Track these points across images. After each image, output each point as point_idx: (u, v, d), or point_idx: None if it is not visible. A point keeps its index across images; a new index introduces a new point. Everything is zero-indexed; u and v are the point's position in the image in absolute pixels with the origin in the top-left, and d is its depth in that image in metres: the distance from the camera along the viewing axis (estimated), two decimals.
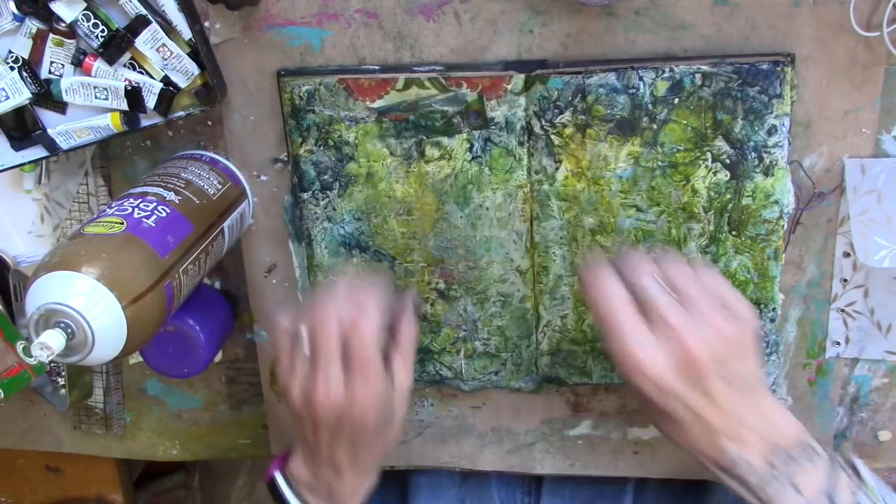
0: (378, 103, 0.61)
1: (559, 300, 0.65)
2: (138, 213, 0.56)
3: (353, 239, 0.66)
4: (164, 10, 0.59)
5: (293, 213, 0.67)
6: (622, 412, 0.70)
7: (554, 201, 0.62)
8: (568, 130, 0.60)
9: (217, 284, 0.73)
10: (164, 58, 0.60)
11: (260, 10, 0.62)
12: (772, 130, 0.57)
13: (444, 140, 0.62)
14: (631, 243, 0.62)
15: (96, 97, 0.62)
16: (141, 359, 0.75)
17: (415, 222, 0.65)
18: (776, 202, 0.59)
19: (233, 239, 0.65)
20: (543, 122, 0.60)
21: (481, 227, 0.64)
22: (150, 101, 0.61)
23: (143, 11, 0.59)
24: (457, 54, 0.61)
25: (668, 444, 0.70)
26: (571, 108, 0.59)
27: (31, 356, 0.48)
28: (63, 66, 0.62)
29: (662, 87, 0.57)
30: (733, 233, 0.60)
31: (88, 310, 0.50)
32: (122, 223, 0.55)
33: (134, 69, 0.61)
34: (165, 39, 0.60)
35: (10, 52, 0.62)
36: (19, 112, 0.63)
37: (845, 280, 0.62)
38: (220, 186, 0.64)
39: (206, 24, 0.63)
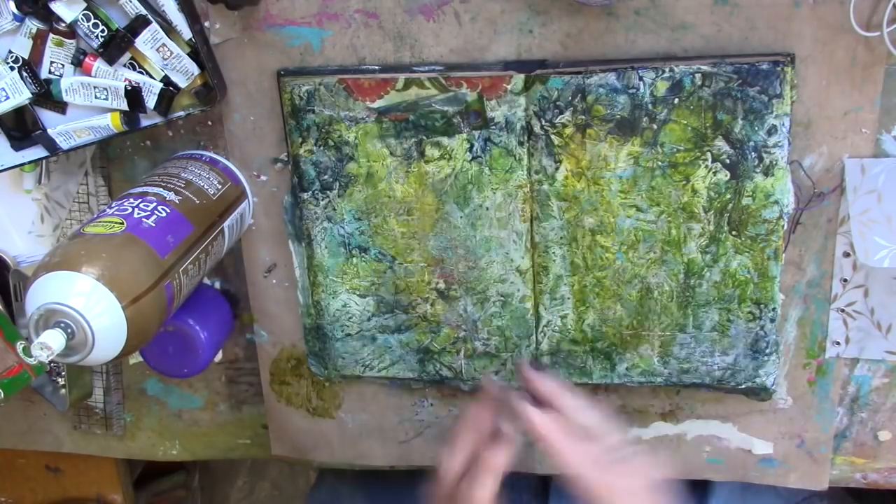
0: (378, 103, 0.61)
1: (559, 300, 0.65)
2: (138, 213, 0.56)
3: (353, 239, 0.66)
4: (164, 10, 0.59)
5: (293, 213, 0.67)
6: (622, 412, 0.70)
7: (554, 201, 0.62)
8: (568, 130, 0.60)
9: (217, 284, 0.73)
10: (164, 58, 0.60)
11: (260, 10, 0.62)
12: (772, 130, 0.57)
13: (444, 140, 0.62)
14: (631, 243, 0.62)
15: (96, 97, 0.62)
16: (141, 359, 0.75)
17: (415, 222, 0.65)
18: (776, 202, 0.59)
19: (233, 239, 0.65)
20: (543, 122, 0.60)
21: (481, 227, 0.64)
22: (150, 101, 0.61)
23: (143, 11, 0.59)
24: (457, 54, 0.61)
25: (668, 444, 0.70)
26: (571, 108, 0.59)
27: (31, 356, 0.48)
28: (63, 66, 0.62)
29: (662, 87, 0.57)
30: (733, 233, 0.60)
31: (88, 310, 0.50)
32: (122, 223, 0.55)
33: (134, 69, 0.61)
34: (165, 39, 0.60)
35: (10, 52, 0.62)
36: (19, 112, 0.63)
37: (845, 280, 0.62)
38: (220, 186, 0.64)
39: (206, 24, 0.63)
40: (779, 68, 0.56)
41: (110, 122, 0.62)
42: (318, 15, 0.61)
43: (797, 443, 0.68)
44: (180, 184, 0.61)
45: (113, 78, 0.61)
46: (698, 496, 0.75)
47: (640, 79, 0.57)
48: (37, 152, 0.65)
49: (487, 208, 0.63)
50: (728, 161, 0.58)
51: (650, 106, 0.58)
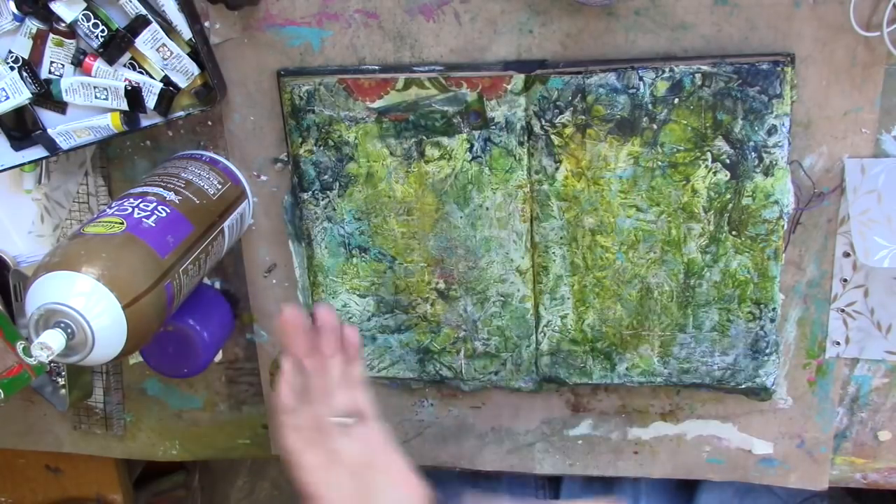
0: (378, 103, 0.61)
1: (559, 300, 0.65)
2: (138, 213, 0.56)
3: (353, 239, 0.66)
4: (164, 10, 0.59)
5: (293, 213, 0.67)
6: (622, 412, 0.70)
7: (554, 201, 0.62)
8: (568, 130, 0.60)
9: (217, 284, 0.73)
10: (164, 58, 0.60)
11: (260, 10, 0.62)
12: (772, 130, 0.57)
13: (444, 140, 0.62)
14: (631, 243, 0.62)
15: (96, 97, 0.62)
16: (141, 359, 0.75)
17: (415, 222, 0.65)
18: (776, 202, 0.59)
19: (233, 239, 0.65)
20: (543, 122, 0.60)
21: (481, 227, 0.64)
22: (150, 101, 0.61)
23: (143, 11, 0.59)
24: (457, 54, 0.61)
25: (668, 444, 0.70)
26: (571, 108, 0.59)
27: (31, 356, 0.48)
28: (63, 66, 0.62)
29: (662, 87, 0.57)
30: (733, 233, 0.60)
31: (88, 310, 0.50)
32: (122, 223, 0.55)
33: (134, 69, 0.61)
34: (165, 39, 0.60)
35: (10, 52, 0.62)
36: (19, 112, 0.63)
37: (845, 280, 0.62)
38: (220, 186, 0.64)
39: (206, 24, 0.63)
40: (779, 68, 0.56)
41: (110, 122, 0.62)
42: (318, 15, 0.61)
43: (797, 443, 0.68)
44: (180, 184, 0.61)
45: (113, 78, 0.61)
46: (695, 494, 0.75)
47: (640, 79, 0.57)
48: (37, 152, 0.65)
49: (487, 208, 0.63)
50: (728, 161, 0.58)
51: (650, 106, 0.58)
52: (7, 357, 0.67)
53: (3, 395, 0.68)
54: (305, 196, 0.65)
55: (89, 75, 0.61)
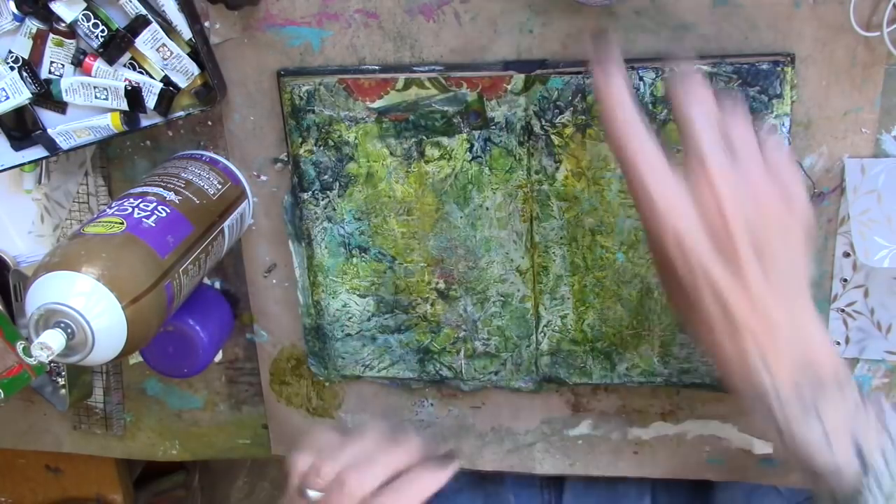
0: (378, 103, 0.61)
1: (559, 300, 0.65)
2: (138, 213, 0.56)
3: (353, 239, 0.66)
4: (164, 10, 0.59)
5: (293, 213, 0.67)
6: (622, 412, 0.70)
7: (554, 201, 0.62)
8: (568, 130, 0.60)
9: (217, 284, 0.73)
10: (164, 58, 0.60)
11: (260, 10, 0.62)
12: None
13: (444, 140, 0.62)
14: (631, 243, 0.62)
15: (96, 97, 0.62)
16: (141, 359, 0.75)
17: (415, 222, 0.65)
18: None
19: (233, 239, 0.65)
20: (543, 122, 0.60)
21: (481, 227, 0.64)
22: (150, 101, 0.61)
23: (143, 11, 0.59)
24: (457, 54, 0.61)
25: (668, 444, 0.70)
26: (571, 108, 0.59)
27: (31, 356, 0.48)
28: (63, 66, 0.62)
29: (662, 87, 0.57)
30: None
31: (88, 310, 0.50)
32: (122, 223, 0.55)
33: (134, 69, 0.61)
34: (165, 39, 0.60)
35: (10, 52, 0.62)
36: (19, 112, 0.63)
37: (845, 280, 0.62)
38: (220, 186, 0.64)
39: (206, 24, 0.63)
40: (779, 68, 0.56)
41: (110, 122, 0.62)
42: (318, 15, 0.61)
43: None
44: (180, 184, 0.61)
45: (113, 78, 0.61)
46: (711, 499, 0.75)
47: (640, 79, 0.57)
48: (37, 152, 0.65)
49: (487, 208, 0.63)
50: None
51: (650, 106, 0.58)
52: (7, 357, 0.67)
53: (3, 395, 0.68)
54: (305, 196, 0.65)
55: (89, 75, 0.61)
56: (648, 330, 0.64)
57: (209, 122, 0.67)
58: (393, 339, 0.69)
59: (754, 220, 0.43)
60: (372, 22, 0.61)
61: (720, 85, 0.56)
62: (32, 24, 0.60)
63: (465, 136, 0.61)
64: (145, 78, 0.61)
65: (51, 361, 0.49)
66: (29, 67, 0.62)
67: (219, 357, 0.75)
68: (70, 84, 0.62)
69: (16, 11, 0.60)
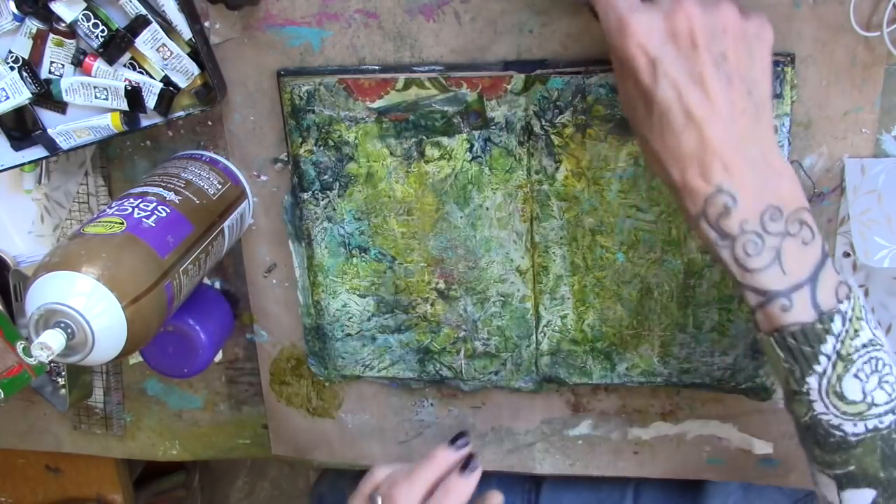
0: (378, 103, 0.61)
1: (559, 300, 0.65)
2: (138, 213, 0.56)
3: (353, 239, 0.66)
4: (164, 10, 0.59)
5: (293, 213, 0.67)
6: (622, 412, 0.70)
7: (554, 201, 0.62)
8: (568, 130, 0.60)
9: (217, 284, 0.73)
10: (164, 58, 0.60)
11: (260, 10, 0.62)
12: None
13: (444, 140, 0.62)
14: (631, 243, 0.62)
15: (96, 97, 0.62)
16: (141, 359, 0.75)
17: (415, 222, 0.65)
18: None
19: (233, 239, 0.65)
20: (543, 122, 0.60)
21: (481, 227, 0.64)
22: (150, 101, 0.62)
23: (143, 11, 0.59)
24: (457, 54, 0.61)
25: (667, 444, 0.70)
26: (571, 108, 0.59)
27: (31, 356, 0.48)
28: (63, 66, 0.62)
29: None
30: None
31: (88, 310, 0.50)
32: (122, 223, 0.55)
33: (134, 69, 0.61)
34: (165, 39, 0.60)
35: (10, 52, 0.62)
36: (19, 112, 0.63)
37: None
38: (220, 186, 0.64)
39: (206, 24, 0.63)
40: (779, 68, 0.56)
41: (110, 122, 0.62)
42: (318, 15, 0.61)
43: (797, 442, 0.68)
44: (180, 184, 0.61)
45: (113, 78, 0.61)
46: (696, 498, 0.75)
47: None
48: (37, 152, 0.65)
49: (487, 208, 0.63)
50: None
51: None
52: (7, 357, 0.68)
53: (3, 395, 0.68)
54: (305, 196, 0.65)
55: (89, 75, 0.61)
56: (648, 330, 0.64)
57: (209, 122, 0.67)
58: (393, 339, 0.69)
59: (713, 28, 0.44)
60: (372, 22, 0.61)
61: None
62: (32, 24, 0.60)
63: (465, 136, 0.61)
64: (145, 78, 0.61)
65: (51, 361, 0.49)
66: (29, 67, 0.62)
67: (219, 357, 0.75)
68: (70, 84, 0.62)
69: (16, 11, 0.60)
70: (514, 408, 0.71)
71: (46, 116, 0.64)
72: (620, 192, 0.61)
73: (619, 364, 0.66)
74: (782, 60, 0.55)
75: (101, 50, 0.60)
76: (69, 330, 0.49)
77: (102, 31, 0.60)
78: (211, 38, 0.63)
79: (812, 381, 0.47)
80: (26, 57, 0.62)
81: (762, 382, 0.64)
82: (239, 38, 0.63)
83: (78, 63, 0.62)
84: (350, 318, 0.69)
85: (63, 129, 0.63)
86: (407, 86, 0.61)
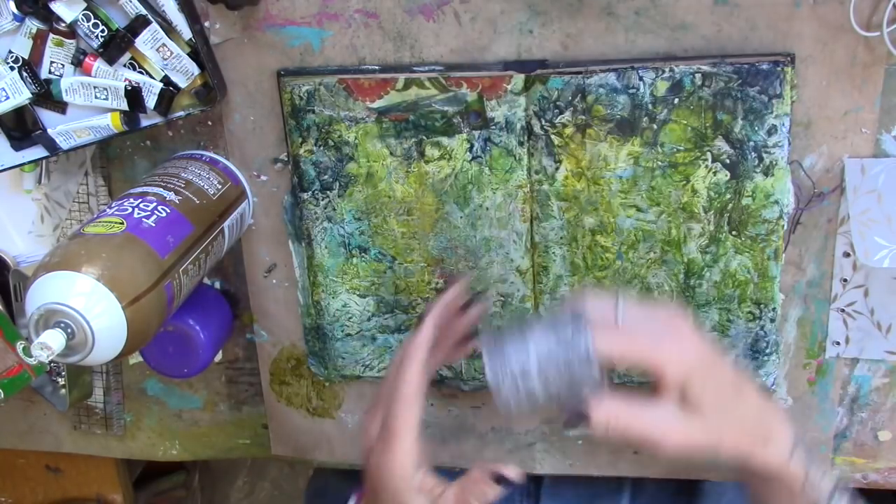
0: (378, 103, 0.61)
1: (559, 300, 0.65)
2: (138, 213, 0.56)
3: (353, 239, 0.66)
4: (164, 10, 0.59)
5: (293, 213, 0.67)
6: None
7: (554, 201, 0.62)
8: (568, 130, 0.60)
9: (217, 284, 0.73)
10: (164, 58, 0.60)
11: (260, 10, 0.62)
12: (772, 130, 0.57)
13: (444, 140, 0.62)
14: (631, 243, 0.62)
15: (96, 97, 0.62)
16: (141, 359, 0.75)
17: (415, 222, 0.65)
18: (776, 202, 0.59)
19: (233, 239, 0.65)
20: (543, 122, 0.60)
21: (481, 227, 0.64)
22: (150, 101, 0.62)
23: (143, 11, 0.59)
24: (457, 54, 0.61)
25: None
26: (571, 108, 0.59)
27: (31, 356, 0.48)
28: (63, 66, 0.62)
29: (662, 87, 0.57)
30: (733, 233, 0.60)
31: (88, 310, 0.50)
32: (122, 223, 0.55)
33: (134, 69, 0.61)
34: (165, 39, 0.60)
35: (10, 52, 0.62)
36: (19, 112, 0.63)
37: (845, 280, 0.62)
38: (220, 186, 0.64)
39: (206, 24, 0.63)
40: (779, 68, 0.56)
41: (110, 122, 0.62)
42: (318, 15, 0.61)
43: None
44: (180, 184, 0.61)
45: (113, 78, 0.61)
46: (693, 497, 0.75)
47: (640, 79, 0.57)
48: (37, 152, 0.65)
49: (487, 208, 0.63)
50: (728, 161, 0.58)
51: (650, 106, 0.58)
52: (7, 357, 0.67)
53: (3, 395, 0.68)
54: (305, 196, 0.65)
55: (89, 75, 0.61)
56: None
57: (209, 122, 0.67)
58: (393, 339, 0.69)
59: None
60: (372, 22, 0.61)
61: (720, 85, 0.56)
62: (32, 24, 0.60)
63: (465, 136, 0.61)
64: (145, 78, 0.61)
65: (51, 361, 0.49)
66: (29, 67, 0.62)
67: (219, 357, 0.75)
68: (70, 84, 0.62)
69: (16, 11, 0.60)
70: None
71: (46, 116, 0.64)
72: (620, 192, 0.61)
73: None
74: (782, 60, 0.55)
75: (101, 50, 0.60)
76: (69, 330, 0.49)
77: (102, 31, 0.60)
78: (211, 38, 0.63)
79: None
80: (26, 57, 0.62)
81: (762, 382, 0.64)
82: (239, 38, 0.63)
83: (78, 63, 0.62)
84: (350, 318, 0.69)
85: (63, 129, 0.63)
86: (407, 86, 0.61)
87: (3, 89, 0.62)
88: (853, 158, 0.59)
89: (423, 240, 0.65)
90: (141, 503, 1.11)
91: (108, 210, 0.57)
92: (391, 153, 0.63)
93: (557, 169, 0.61)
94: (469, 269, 0.65)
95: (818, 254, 0.62)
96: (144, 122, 0.63)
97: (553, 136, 0.60)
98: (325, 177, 0.65)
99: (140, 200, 0.58)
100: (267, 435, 0.78)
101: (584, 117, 0.59)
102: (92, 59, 0.61)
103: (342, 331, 0.69)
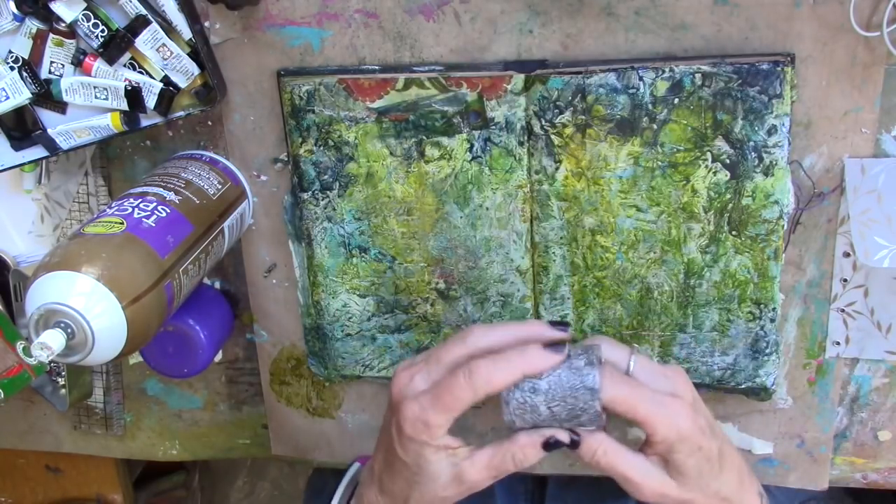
0: (378, 103, 0.61)
1: (559, 300, 0.65)
2: (138, 213, 0.56)
3: (353, 239, 0.66)
4: (164, 10, 0.59)
5: (293, 213, 0.67)
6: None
7: (554, 201, 0.62)
8: (568, 130, 0.60)
9: (217, 284, 0.73)
10: (164, 58, 0.60)
11: (260, 10, 0.62)
12: (772, 130, 0.57)
13: (444, 140, 0.62)
14: (631, 243, 0.62)
15: (96, 97, 0.62)
16: (141, 359, 0.75)
17: (415, 222, 0.65)
18: (776, 202, 0.59)
19: (233, 239, 0.66)
20: (543, 122, 0.60)
21: (481, 227, 0.64)
22: (150, 101, 0.62)
23: (143, 11, 0.59)
24: (457, 54, 0.61)
25: None
26: (571, 108, 0.59)
27: (31, 356, 0.48)
28: (63, 66, 0.62)
29: (662, 87, 0.57)
30: (733, 233, 0.60)
31: (88, 310, 0.50)
32: (122, 223, 0.55)
33: (134, 69, 0.61)
34: (165, 39, 0.60)
35: (10, 52, 0.62)
36: (19, 112, 0.63)
37: (845, 280, 0.62)
38: (220, 186, 0.64)
39: (206, 24, 0.63)
40: (779, 68, 0.56)
41: (110, 122, 0.62)
42: (318, 15, 0.61)
43: (797, 443, 0.68)
44: (180, 184, 0.61)
45: (113, 78, 0.61)
46: None
47: (640, 79, 0.57)
48: (37, 152, 0.65)
49: (487, 208, 0.63)
50: (728, 161, 0.58)
51: (650, 106, 0.58)
52: (7, 357, 0.67)
53: (3, 395, 0.68)
54: (305, 196, 0.65)
55: (89, 75, 0.61)
56: (648, 330, 0.64)
57: (209, 122, 0.67)
58: (393, 339, 0.69)
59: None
60: (372, 22, 0.61)
61: (720, 85, 0.56)
62: (32, 24, 0.60)
63: (465, 136, 0.61)
64: (145, 78, 0.61)
65: (51, 361, 0.49)
66: (29, 67, 0.62)
67: (219, 357, 0.75)
68: (70, 84, 0.62)
69: (16, 11, 0.60)
70: None
71: (46, 116, 0.64)
72: (620, 192, 0.61)
73: None
74: (782, 60, 0.55)
75: (101, 50, 0.60)
76: (69, 330, 0.49)
77: (102, 31, 0.60)
78: (211, 38, 0.63)
79: None
80: (26, 57, 0.62)
81: (762, 382, 0.64)
82: (239, 38, 0.63)
83: (78, 63, 0.62)
84: (350, 318, 0.69)
85: (63, 129, 0.63)
86: (407, 86, 0.61)
87: (3, 89, 0.62)
88: (853, 158, 0.59)
89: (423, 240, 0.65)
90: (141, 503, 1.11)
91: (108, 210, 0.57)
92: (391, 153, 0.63)
93: (557, 169, 0.61)
94: (469, 269, 0.65)
95: (818, 254, 0.62)
96: (144, 122, 0.63)
97: (553, 136, 0.60)
98: (325, 177, 0.65)
99: (140, 200, 0.58)
100: (267, 435, 0.78)
101: (584, 117, 0.59)
102: (92, 59, 0.61)
103: (342, 331, 0.69)
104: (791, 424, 0.67)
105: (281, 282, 0.71)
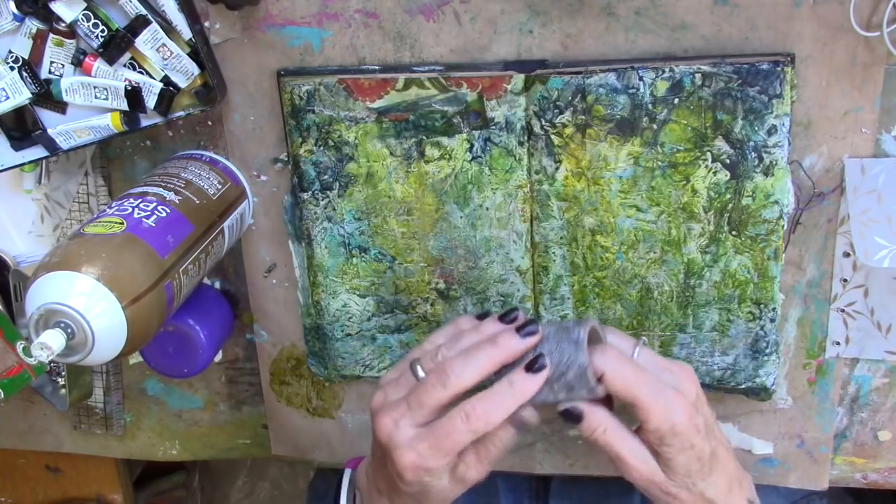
0: (378, 103, 0.61)
1: (559, 300, 0.65)
2: (138, 213, 0.56)
3: (353, 239, 0.66)
4: (164, 10, 0.59)
5: (293, 213, 0.67)
6: (622, 412, 0.70)
7: (554, 201, 0.62)
8: (568, 130, 0.60)
9: (217, 284, 0.73)
10: (164, 58, 0.60)
11: (260, 10, 0.62)
12: (772, 130, 0.57)
13: (444, 140, 0.62)
14: (631, 243, 0.62)
15: (96, 97, 0.62)
16: (141, 359, 0.75)
17: (415, 222, 0.65)
18: (776, 202, 0.59)
19: (233, 239, 0.66)
20: (543, 122, 0.60)
21: (481, 227, 0.64)
22: (150, 101, 0.62)
23: (143, 11, 0.59)
24: (457, 54, 0.61)
25: None
26: (571, 108, 0.59)
27: (31, 356, 0.49)
28: (63, 66, 0.62)
29: (662, 87, 0.57)
30: (733, 233, 0.60)
31: (88, 310, 0.50)
32: (122, 223, 0.55)
33: (134, 69, 0.61)
34: (165, 39, 0.60)
35: (10, 52, 0.62)
36: (19, 112, 0.63)
37: (845, 280, 0.62)
38: (220, 186, 0.64)
39: (206, 24, 0.63)
40: (779, 68, 0.56)
41: (110, 122, 0.62)
42: (318, 15, 0.61)
43: (797, 443, 0.68)
44: (180, 184, 0.61)
45: (113, 78, 0.61)
46: None
47: (640, 79, 0.57)
48: (37, 152, 0.65)
49: (487, 208, 0.63)
50: (728, 161, 0.58)
51: (650, 106, 0.58)
52: (7, 357, 0.67)
53: (3, 395, 0.68)
54: (305, 196, 0.65)
55: (89, 75, 0.61)
56: (648, 330, 0.64)
57: (209, 122, 0.67)
58: (393, 339, 0.69)
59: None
60: (372, 22, 0.61)
61: (720, 85, 0.56)
62: (32, 24, 0.60)
63: (465, 136, 0.61)
64: (145, 78, 0.61)
65: (51, 361, 0.49)
66: (29, 67, 0.62)
67: (219, 357, 0.75)
68: (70, 84, 0.62)
69: (16, 11, 0.60)
70: None
71: (46, 116, 0.64)
72: (620, 192, 0.61)
73: None
74: (782, 60, 0.55)
75: (101, 50, 0.60)
76: (69, 330, 0.49)
77: (102, 31, 0.60)
78: (211, 38, 0.63)
79: None
80: (26, 57, 0.62)
81: (762, 382, 0.64)
82: (239, 38, 0.63)
83: (78, 63, 0.62)
84: (350, 318, 0.69)
85: (63, 129, 0.63)
86: (407, 86, 0.61)
87: (3, 89, 0.62)
88: (853, 158, 0.59)
89: (423, 240, 0.65)
90: (141, 503, 1.11)
91: (108, 210, 0.57)
92: (391, 153, 0.63)
93: (557, 169, 0.61)
94: (469, 269, 0.65)
95: (818, 254, 0.62)
96: (144, 122, 0.63)
97: (553, 136, 0.60)
98: (325, 177, 0.65)
99: (140, 200, 0.58)
100: (267, 435, 0.78)
101: (584, 117, 0.59)
102: (92, 59, 0.61)
103: (342, 331, 0.69)
104: (791, 424, 0.67)
105: (281, 282, 0.71)
